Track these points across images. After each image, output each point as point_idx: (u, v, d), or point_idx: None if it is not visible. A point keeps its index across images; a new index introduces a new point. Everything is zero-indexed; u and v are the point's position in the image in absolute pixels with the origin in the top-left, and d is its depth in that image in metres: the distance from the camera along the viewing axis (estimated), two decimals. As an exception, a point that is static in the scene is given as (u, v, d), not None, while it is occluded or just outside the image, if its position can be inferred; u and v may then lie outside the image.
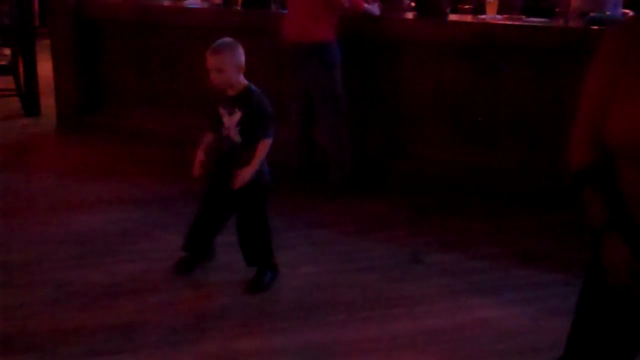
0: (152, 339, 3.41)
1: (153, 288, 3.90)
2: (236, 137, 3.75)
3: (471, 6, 6.48)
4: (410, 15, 5.82)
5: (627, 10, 5.44)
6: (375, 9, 5.45)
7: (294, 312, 3.69)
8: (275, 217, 4.86)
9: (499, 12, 5.61)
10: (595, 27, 4.98)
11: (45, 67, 7.67)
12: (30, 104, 7.73)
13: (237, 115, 3.73)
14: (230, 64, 3.69)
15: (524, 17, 5.63)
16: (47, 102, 7.53)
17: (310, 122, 5.45)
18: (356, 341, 3.44)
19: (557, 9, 5.57)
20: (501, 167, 5.28)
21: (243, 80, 3.78)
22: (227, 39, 3.78)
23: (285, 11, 5.52)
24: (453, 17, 5.66)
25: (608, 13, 5.20)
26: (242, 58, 3.74)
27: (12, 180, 5.67)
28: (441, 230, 4.74)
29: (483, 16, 5.52)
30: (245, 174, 3.70)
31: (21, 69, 7.75)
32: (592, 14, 5.13)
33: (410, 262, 4.27)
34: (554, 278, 4.06)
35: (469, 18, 5.77)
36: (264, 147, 3.71)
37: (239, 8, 6.36)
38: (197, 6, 6.68)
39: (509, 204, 5.11)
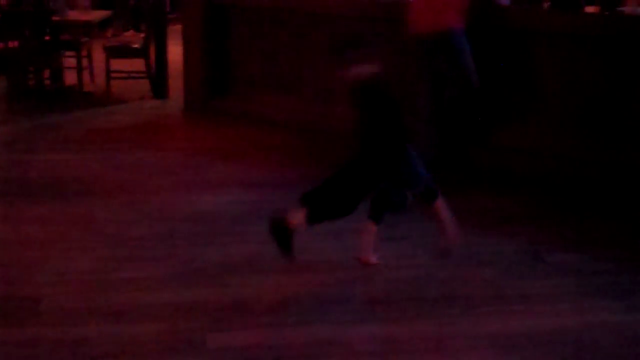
0: (266, 318, 3.46)
1: (271, 270, 3.94)
2: None
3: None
4: (543, 5, 5.64)
5: None
6: (505, -1, 5.33)
7: (408, 302, 3.64)
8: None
9: None
10: None
11: (174, 52, 7.91)
12: (159, 87, 7.99)
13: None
14: None
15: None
16: (175, 85, 7.76)
17: (439, 113, 5.36)
18: (471, 337, 3.36)
19: None
20: (635, 165, 5.03)
21: None
22: None
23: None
24: (589, 8, 5.44)
25: None
26: None
27: (141, 158, 5.88)
28: (565, 229, 4.56)
29: (622, 8, 5.27)
30: None
31: (152, 53, 8.02)
32: None
33: (531, 260, 4.13)
34: (687, 285, 3.85)
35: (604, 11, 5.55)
36: None
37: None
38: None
39: (640, 205, 4.88)
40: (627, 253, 4.21)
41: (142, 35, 8.51)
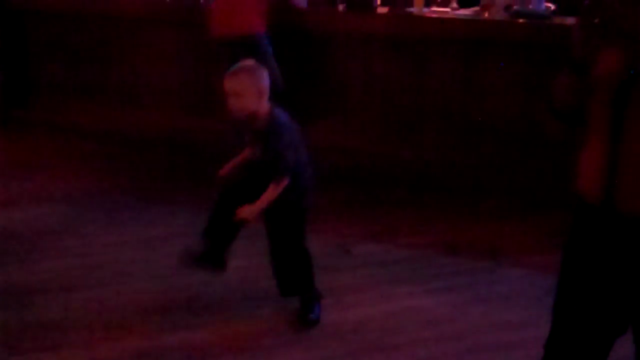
0: (74, 337, 3.36)
1: (77, 285, 3.84)
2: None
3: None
4: (338, 7, 5.84)
5: (549, 5, 5.55)
6: (302, 1, 5.47)
7: (221, 305, 3.67)
8: (204, 210, 4.86)
9: (429, 5, 5.68)
10: (519, 20, 5.08)
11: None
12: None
13: (260, 149, 3.42)
14: (249, 88, 3.34)
15: (450, 9, 5.70)
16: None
17: None
18: (284, 332, 3.45)
19: (482, 2, 5.65)
20: (428, 158, 5.34)
21: (265, 110, 3.38)
22: (248, 62, 3.48)
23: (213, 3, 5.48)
24: (382, 9, 5.69)
25: (531, 7, 5.29)
26: (265, 82, 3.39)
27: None
28: (369, 222, 4.76)
29: (410, 9, 5.56)
30: (248, 212, 3.36)
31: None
32: (516, 7, 5.22)
33: (338, 253, 4.29)
34: (478, 266, 4.13)
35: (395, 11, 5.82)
36: (272, 190, 3.33)
37: None
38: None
39: (435, 194, 5.17)
40: (425, 240, 4.47)
41: None
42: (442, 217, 4.83)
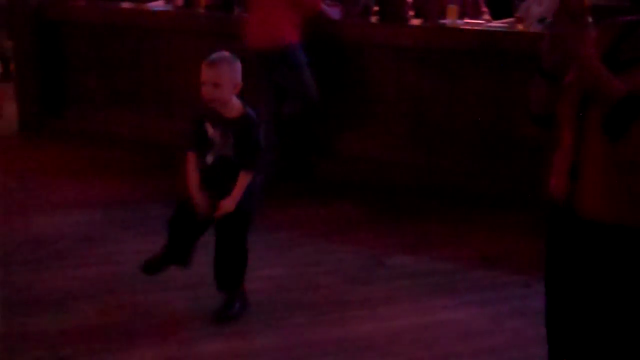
0: (113, 342, 3.40)
1: (115, 291, 3.89)
2: (234, 157, 3.56)
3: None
4: (371, 19, 5.87)
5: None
6: (335, 13, 5.50)
7: (255, 315, 3.69)
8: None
9: (462, 17, 5.69)
10: (554, 32, 5.07)
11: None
12: (-10, 107, 7.63)
13: (231, 140, 3.53)
14: (228, 80, 3.48)
15: (483, 21, 5.71)
16: (8, 105, 7.43)
17: (280, 125, 5.45)
18: (318, 343, 3.46)
19: (516, 14, 5.65)
20: (461, 170, 5.33)
21: (237, 101, 3.57)
22: (226, 53, 3.61)
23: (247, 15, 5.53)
24: (415, 21, 5.72)
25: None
26: (240, 75, 3.55)
27: (-28, 183, 5.61)
28: (403, 233, 4.77)
29: (443, 21, 5.58)
30: (229, 205, 3.52)
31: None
32: (550, 20, 5.21)
33: (373, 265, 4.29)
34: (513, 279, 4.12)
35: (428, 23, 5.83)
36: (244, 179, 3.53)
37: (202, 11, 6.36)
38: (160, 9, 6.67)
39: (469, 206, 5.15)
40: (460, 253, 4.46)
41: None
42: (477, 230, 4.81)
